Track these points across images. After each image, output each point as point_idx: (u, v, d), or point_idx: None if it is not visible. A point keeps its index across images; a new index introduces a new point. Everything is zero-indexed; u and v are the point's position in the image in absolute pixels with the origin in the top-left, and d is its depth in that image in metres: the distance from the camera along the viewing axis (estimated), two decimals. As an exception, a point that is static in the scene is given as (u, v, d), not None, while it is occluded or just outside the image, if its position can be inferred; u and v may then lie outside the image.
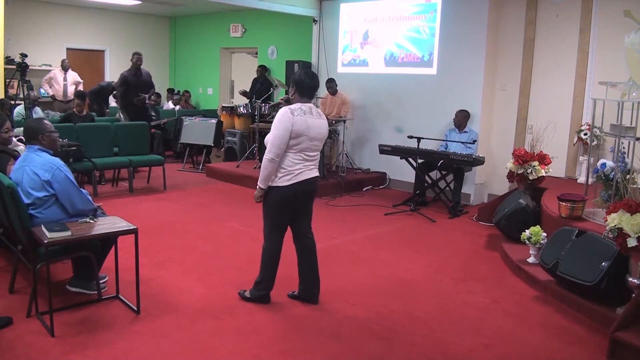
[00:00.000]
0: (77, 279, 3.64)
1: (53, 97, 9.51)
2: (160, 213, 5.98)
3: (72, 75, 9.65)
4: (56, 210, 3.42)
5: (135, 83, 7.91)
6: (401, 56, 7.72)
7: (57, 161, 3.44)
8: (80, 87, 9.58)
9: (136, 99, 7.90)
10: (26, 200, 3.33)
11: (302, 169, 3.43)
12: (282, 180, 3.41)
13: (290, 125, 3.32)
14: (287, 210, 3.53)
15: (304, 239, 3.66)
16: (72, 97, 9.30)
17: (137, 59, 7.93)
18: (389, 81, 7.83)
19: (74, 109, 7.40)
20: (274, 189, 3.43)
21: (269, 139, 3.39)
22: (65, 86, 9.48)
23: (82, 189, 3.57)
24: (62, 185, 3.39)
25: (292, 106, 3.42)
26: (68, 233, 3.11)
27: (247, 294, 3.68)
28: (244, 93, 9.41)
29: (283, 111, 3.38)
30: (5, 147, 4.24)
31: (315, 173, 3.53)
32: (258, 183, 3.45)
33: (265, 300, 3.65)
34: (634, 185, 3.59)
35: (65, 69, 9.53)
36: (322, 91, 8.18)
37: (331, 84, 8.04)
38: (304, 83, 3.45)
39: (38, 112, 8.14)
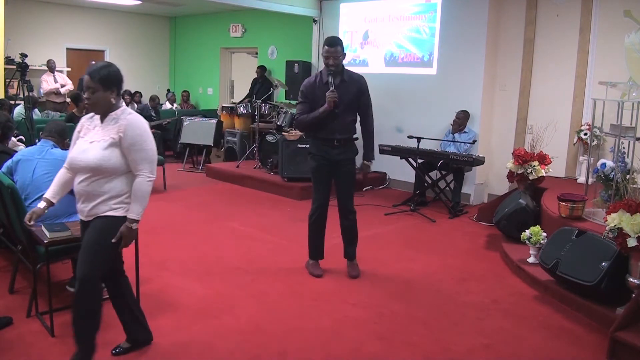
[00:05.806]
0: (76, 279, 3.64)
1: (44, 96, 9.49)
2: (160, 213, 5.97)
3: (61, 77, 9.62)
4: (61, 202, 3.48)
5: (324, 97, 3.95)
6: (401, 56, 7.71)
7: None
8: (70, 87, 9.54)
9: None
10: (37, 194, 3.41)
11: None
12: None
13: None
14: None
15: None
16: (64, 99, 9.32)
17: (326, 49, 3.96)
18: (389, 81, 7.82)
19: (74, 111, 7.39)
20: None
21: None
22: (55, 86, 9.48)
23: None
24: None
25: None
26: (68, 233, 3.11)
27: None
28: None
29: None
30: (5, 147, 4.25)
31: None
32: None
33: None
34: (634, 185, 3.59)
35: (52, 69, 9.49)
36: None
37: None
38: None
39: (36, 112, 8.14)
